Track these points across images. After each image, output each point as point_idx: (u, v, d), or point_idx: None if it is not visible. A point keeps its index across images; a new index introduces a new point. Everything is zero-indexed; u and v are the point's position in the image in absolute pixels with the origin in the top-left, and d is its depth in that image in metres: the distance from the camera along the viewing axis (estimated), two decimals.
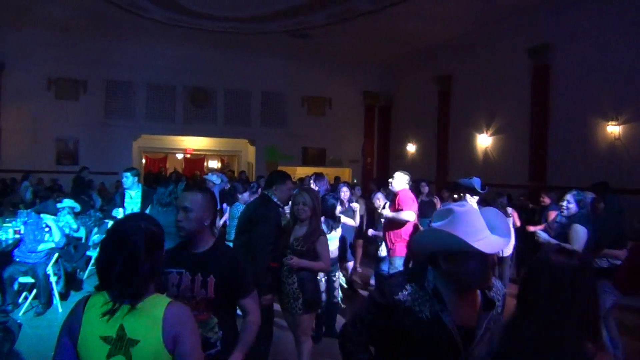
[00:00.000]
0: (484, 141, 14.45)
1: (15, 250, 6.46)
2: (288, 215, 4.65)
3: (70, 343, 1.77)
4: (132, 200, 6.53)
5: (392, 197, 6.38)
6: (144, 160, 23.86)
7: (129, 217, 1.94)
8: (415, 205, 6.14)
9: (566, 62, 11.72)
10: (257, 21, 15.02)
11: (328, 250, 4.24)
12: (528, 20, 12.75)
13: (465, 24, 14.21)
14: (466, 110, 15.28)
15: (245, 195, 7.31)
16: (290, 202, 4.49)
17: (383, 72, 20.07)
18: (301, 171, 18.12)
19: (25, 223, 6.87)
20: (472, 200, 5.75)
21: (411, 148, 18.72)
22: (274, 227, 4.15)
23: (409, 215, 5.89)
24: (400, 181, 6.25)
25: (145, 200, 6.63)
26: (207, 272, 2.50)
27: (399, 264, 6.01)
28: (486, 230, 1.90)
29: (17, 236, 6.90)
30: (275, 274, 4.14)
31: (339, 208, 6.21)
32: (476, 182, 5.87)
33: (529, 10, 12.47)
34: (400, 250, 5.90)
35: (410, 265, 5.78)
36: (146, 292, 1.81)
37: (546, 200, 8.76)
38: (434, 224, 1.98)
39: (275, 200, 4.31)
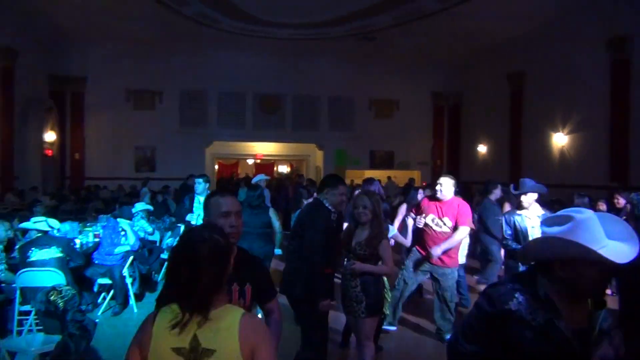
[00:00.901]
0: (559, 140, 13.79)
1: (95, 253, 6.85)
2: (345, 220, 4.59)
3: (140, 356, 1.78)
4: (200, 205, 6.74)
5: (440, 205, 5.56)
6: (216, 166, 24.63)
7: (196, 228, 1.96)
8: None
9: None
10: (324, 26, 15.17)
11: (391, 254, 4.16)
12: (605, 11, 12.05)
13: (537, 18, 13.67)
14: (540, 108, 14.64)
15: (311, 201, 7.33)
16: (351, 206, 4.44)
17: (451, 72, 19.64)
18: (369, 174, 18.02)
19: (103, 227, 7.28)
20: (531, 201, 5.11)
21: (482, 149, 18.18)
22: (324, 232, 4.05)
23: (464, 233, 5.48)
24: (449, 188, 5.50)
25: None
26: (243, 280, 2.50)
27: (460, 273, 5.92)
28: (605, 238, 1.83)
29: (97, 240, 7.32)
30: (329, 280, 4.10)
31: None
32: (525, 183, 5.19)
33: (607, 0, 11.79)
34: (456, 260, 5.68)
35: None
36: (216, 301, 1.80)
37: (621, 202, 8.02)
38: (549, 230, 1.91)
39: (327, 204, 4.20)
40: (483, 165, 17.83)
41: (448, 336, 5.49)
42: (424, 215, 5.61)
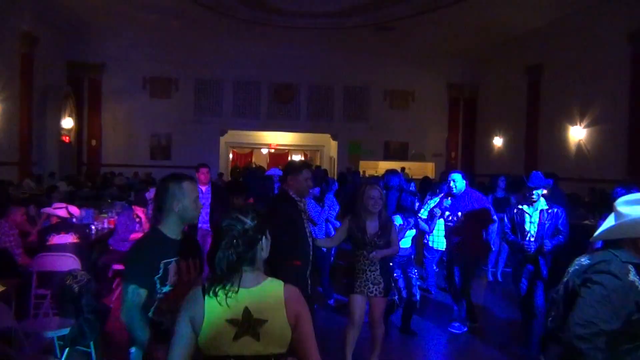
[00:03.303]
0: (577, 133, 13.61)
1: (110, 239, 6.94)
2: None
3: (191, 330, 1.90)
4: (203, 195, 6.75)
5: (456, 200, 5.66)
6: (231, 155, 24.70)
7: (235, 210, 2.05)
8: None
9: None
10: (341, 16, 15.09)
11: (397, 234, 4.48)
12: (627, 3, 11.81)
13: (556, 10, 13.47)
14: (558, 101, 14.46)
15: (317, 190, 7.27)
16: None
17: (468, 64, 19.46)
18: (383, 165, 17.99)
19: (118, 214, 7.37)
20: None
21: (498, 141, 18.02)
22: (285, 224, 3.86)
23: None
24: (462, 183, 5.64)
25: (215, 195, 6.91)
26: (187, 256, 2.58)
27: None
28: None
29: (112, 226, 7.41)
30: (299, 273, 3.94)
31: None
32: (535, 176, 5.06)
33: None
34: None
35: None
36: (257, 277, 1.96)
37: None
38: (632, 210, 2.07)
39: (292, 194, 4.06)
40: (498, 158, 17.68)
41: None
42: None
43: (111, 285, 6.97)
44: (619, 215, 2.12)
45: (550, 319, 2.28)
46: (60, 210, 5.64)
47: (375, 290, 4.29)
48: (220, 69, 18.83)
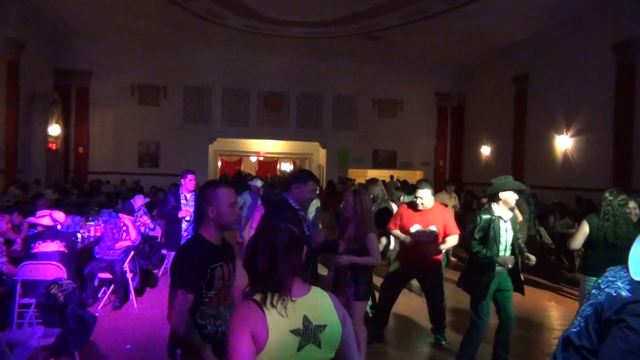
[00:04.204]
0: (563, 142, 13.76)
1: (96, 248, 6.89)
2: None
3: (252, 344, 1.79)
4: (187, 202, 6.72)
5: (424, 214, 5.44)
6: (219, 163, 24.65)
7: (274, 219, 2.05)
8: None
9: None
10: (330, 25, 15.14)
11: (376, 246, 4.38)
12: (611, 14, 12.01)
13: (543, 20, 13.64)
14: (544, 111, 14.61)
15: None
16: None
17: (456, 73, 19.63)
18: (372, 174, 18.03)
19: (105, 222, 7.31)
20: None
21: (485, 150, 18.16)
22: None
23: (456, 240, 5.49)
24: (430, 199, 5.39)
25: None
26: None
27: None
28: None
29: (98, 234, 7.34)
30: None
31: None
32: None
33: (613, 3, 11.76)
34: None
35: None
36: (301, 286, 1.96)
37: None
38: None
39: (291, 202, 4.02)
40: (486, 166, 17.81)
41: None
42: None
43: (97, 294, 6.91)
44: None
45: (574, 329, 2.09)
46: (44, 218, 5.58)
47: (347, 292, 4.38)
48: (209, 76, 18.81)
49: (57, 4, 14.14)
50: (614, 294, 1.97)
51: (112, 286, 6.77)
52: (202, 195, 2.72)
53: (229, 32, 15.95)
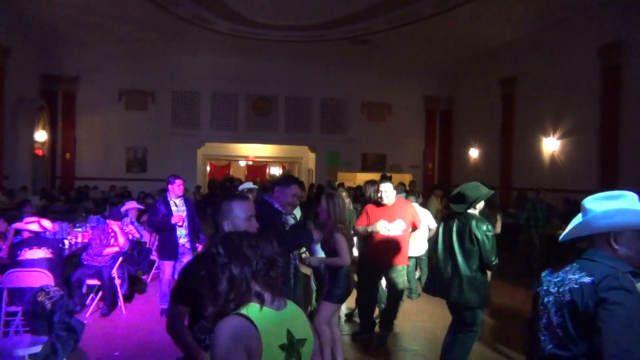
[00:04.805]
0: (550, 145, 13.87)
1: (84, 254, 6.82)
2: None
3: (246, 358, 1.74)
4: (178, 208, 6.65)
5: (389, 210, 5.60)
6: (208, 168, 24.56)
7: (257, 234, 2.05)
8: None
9: None
10: (318, 29, 15.16)
11: (344, 247, 4.42)
12: (597, 17, 12.15)
13: (529, 24, 13.76)
14: (531, 113, 14.73)
15: None
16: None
17: (444, 76, 19.74)
18: (361, 177, 18.06)
19: (92, 228, 7.24)
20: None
21: (474, 153, 18.26)
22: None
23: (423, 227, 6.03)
24: (392, 192, 5.59)
25: (189, 208, 6.70)
26: None
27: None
28: None
29: (86, 240, 7.27)
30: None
31: None
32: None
33: (599, 7, 11.89)
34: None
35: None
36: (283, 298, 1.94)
37: None
38: (603, 205, 2.05)
39: (275, 205, 4.08)
40: (474, 169, 17.91)
41: None
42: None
43: (85, 301, 6.83)
44: (586, 212, 2.09)
45: (550, 346, 2.09)
46: (32, 224, 5.52)
47: (324, 293, 4.53)
48: (197, 81, 18.74)
49: (44, 9, 14.02)
50: (577, 286, 2.00)
51: (100, 293, 6.71)
52: (219, 208, 2.70)
53: (216, 37, 15.91)
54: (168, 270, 6.43)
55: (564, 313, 2.03)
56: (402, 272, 5.75)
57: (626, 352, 1.82)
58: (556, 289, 2.08)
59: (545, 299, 2.12)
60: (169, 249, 6.45)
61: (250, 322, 1.76)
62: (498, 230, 8.05)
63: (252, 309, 1.79)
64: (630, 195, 2.05)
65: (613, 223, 2.01)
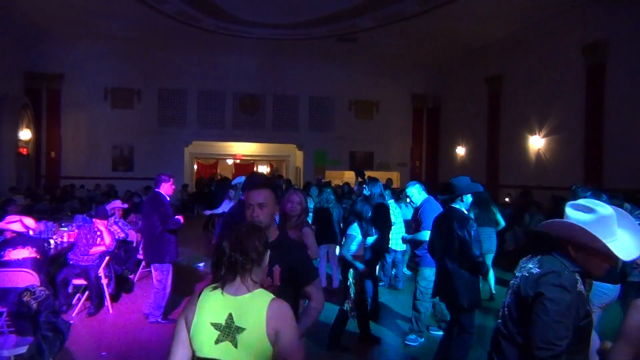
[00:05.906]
0: (536, 143, 13.99)
1: (70, 253, 6.74)
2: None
3: (185, 329, 2.01)
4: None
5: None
6: (195, 166, 24.44)
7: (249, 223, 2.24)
8: None
9: (624, 60, 11.19)
10: (305, 27, 15.14)
11: (313, 240, 4.43)
12: (582, 16, 12.27)
13: (515, 23, 13.86)
14: (517, 111, 14.85)
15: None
16: None
17: (431, 74, 19.82)
18: (349, 175, 18.06)
19: (78, 227, 7.16)
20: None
21: (460, 151, 18.36)
22: None
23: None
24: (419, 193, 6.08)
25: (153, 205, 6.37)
26: (272, 262, 2.58)
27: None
28: (617, 235, 2.10)
29: (72, 240, 7.19)
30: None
31: None
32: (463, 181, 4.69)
33: (583, 6, 12.00)
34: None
35: None
36: (251, 285, 2.02)
37: None
38: (573, 215, 2.15)
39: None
40: (461, 167, 18.00)
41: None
42: None
43: (71, 300, 6.76)
44: (565, 216, 2.21)
45: (500, 321, 2.35)
46: (14, 223, 5.44)
47: None
48: (184, 79, 18.64)
49: (27, 5, 13.84)
50: (527, 275, 2.23)
51: (86, 292, 6.64)
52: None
53: (203, 34, 15.83)
54: (170, 275, 6.15)
55: (512, 296, 2.28)
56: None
57: (552, 345, 2.02)
58: (518, 273, 2.31)
59: (512, 281, 2.35)
60: (173, 249, 6.16)
61: (200, 292, 2.06)
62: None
63: (209, 288, 2.06)
64: (606, 213, 2.10)
65: (571, 237, 2.15)
